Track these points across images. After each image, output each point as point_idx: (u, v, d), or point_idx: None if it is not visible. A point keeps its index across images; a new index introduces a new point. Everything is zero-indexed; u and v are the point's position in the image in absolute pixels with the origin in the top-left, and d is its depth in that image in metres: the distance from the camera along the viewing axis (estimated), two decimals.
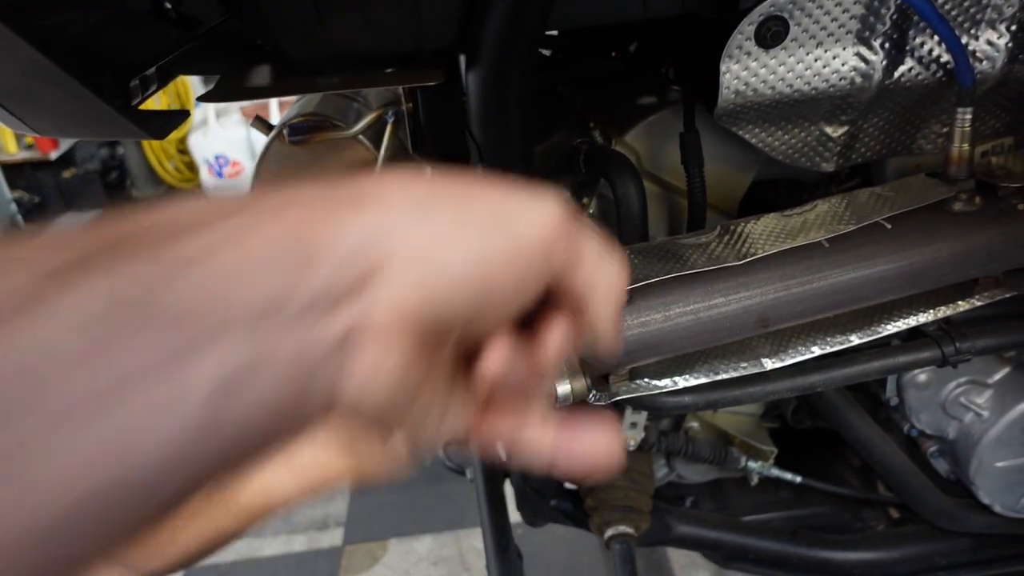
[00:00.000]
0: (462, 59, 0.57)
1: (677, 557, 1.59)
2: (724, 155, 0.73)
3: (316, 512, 1.84)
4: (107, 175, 4.04)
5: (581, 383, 0.54)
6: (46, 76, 0.42)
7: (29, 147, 3.95)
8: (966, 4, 0.55)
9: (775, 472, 0.96)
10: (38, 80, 0.42)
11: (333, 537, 1.77)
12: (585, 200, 0.73)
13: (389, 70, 0.57)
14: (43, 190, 4.01)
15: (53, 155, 3.93)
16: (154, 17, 0.54)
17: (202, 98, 0.54)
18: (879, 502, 1.02)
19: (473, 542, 1.68)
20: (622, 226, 0.66)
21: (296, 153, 0.71)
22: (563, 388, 0.54)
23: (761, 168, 0.75)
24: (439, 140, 0.66)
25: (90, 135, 0.52)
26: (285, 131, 0.69)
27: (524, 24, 0.51)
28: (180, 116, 0.53)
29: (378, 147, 0.70)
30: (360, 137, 0.69)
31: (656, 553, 1.58)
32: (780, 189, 0.82)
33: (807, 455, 1.07)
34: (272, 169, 0.71)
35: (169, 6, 0.55)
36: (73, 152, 4.05)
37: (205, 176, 3.80)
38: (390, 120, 0.68)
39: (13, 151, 3.91)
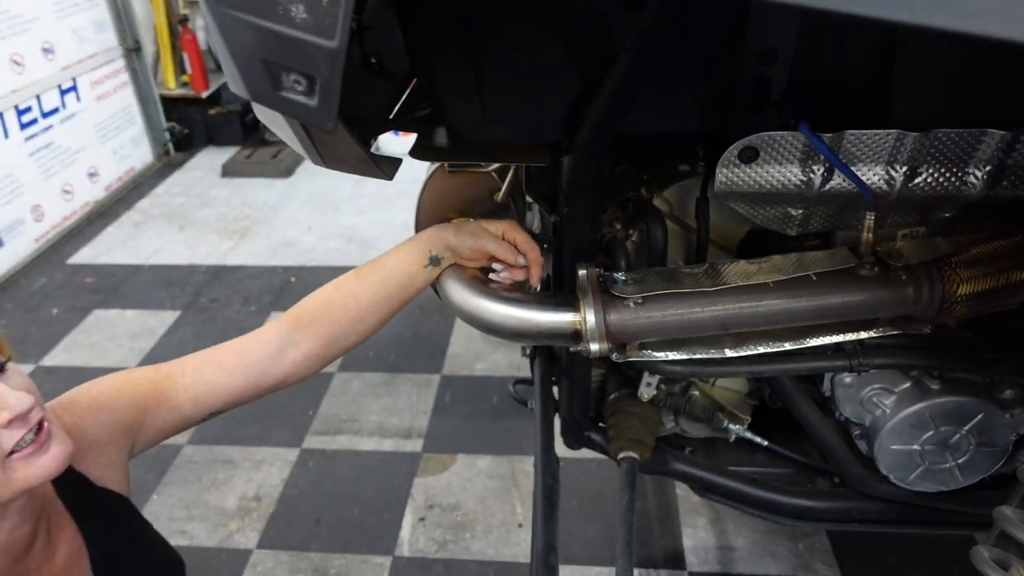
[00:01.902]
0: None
1: (683, 505, 1.97)
2: (729, 211, 1.08)
3: (403, 423, 2.30)
4: (245, 116, 4.59)
5: (605, 346, 0.93)
6: (350, 145, 0.82)
7: (184, 85, 4.53)
8: (867, 148, 0.89)
9: (747, 435, 1.33)
10: (345, 147, 0.83)
11: (415, 445, 2.23)
12: (630, 231, 1.10)
13: (516, 147, 0.95)
14: (192, 124, 4.60)
15: (204, 94, 4.49)
16: (364, 70, 0.91)
17: (410, 153, 0.95)
18: (827, 471, 1.37)
19: (523, 466, 2.11)
20: (650, 254, 1.04)
21: (451, 177, 1.11)
22: (595, 347, 0.93)
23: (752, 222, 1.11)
24: (542, 184, 1.04)
25: (351, 171, 0.92)
26: (447, 164, 1.09)
27: (604, 129, 0.89)
28: (399, 162, 0.94)
29: (504, 181, 1.09)
30: (493, 173, 1.09)
31: (667, 497, 1.96)
32: (767, 236, 1.17)
33: (783, 428, 1.43)
34: (434, 187, 1.11)
35: (373, 60, 0.93)
36: (219, 93, 4.60)
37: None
38: (514, 166, 1.07)
39: (172, 87, 4.50)
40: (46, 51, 3.53)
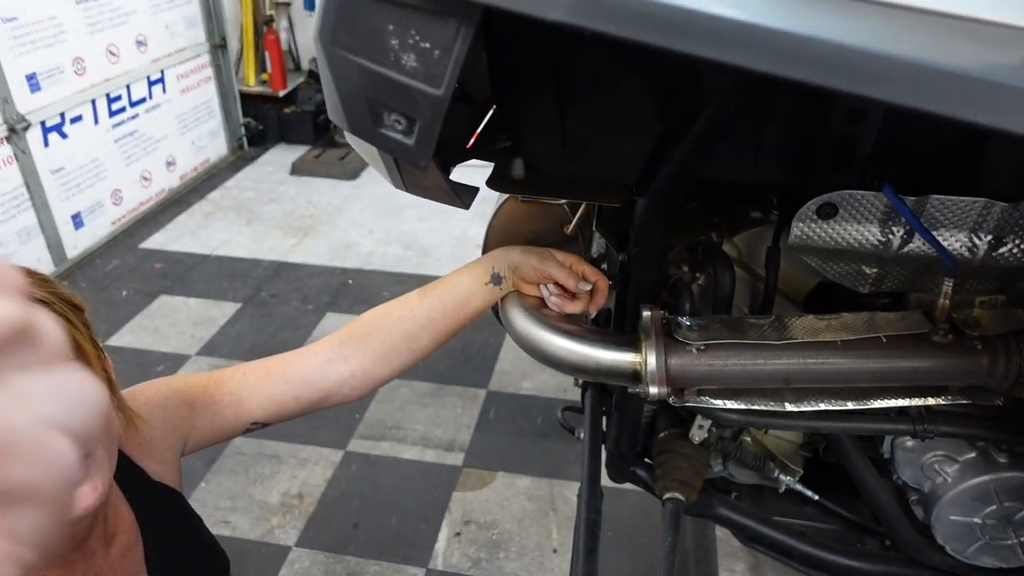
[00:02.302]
0: None
1: (722, 547, 1.93)
2: (800, 262, 1.07)
3: (447, 435, 2.33)
4: (318, 116, 4.72)
5: (665, 390, 0.93)
6: (435, 176, 0.84)
7: (263, 82, 4.68)
8: (951, 214, 0.87)
9: (798, 487, 1.30)
10: (430, 178, 0.85)
11: (456, 458, 2.25)
12: (697, 275, 1.10)
13: (592, 184, 0.97)
14: (266, 120, 4.75)
15: (281, 93, 4.63)
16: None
17: (487, 183, 0.97)
18: (879, 533, 1.33)
19: (563, 491, 2.11)
20: (715, 300, 1.03)
21: (522, 206, 1.13)
22: (653, 390, 0.93)
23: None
24: (613, 221, 1.05)
25: (430, 197, 0.94)
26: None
27: (682, 175, 0.89)
28: (476, 191, 0.96)
29: (575, 213, 1.10)
30: (564, 205, 1.10)
31: (706, 538, 1.93)
32: (837, 289, 1.15)
33: (835, 484, 1.39)
34: (504, 214, 1.13)
35: (457, 85, 0.96)
36: (295, 93, 4.75)
37: None
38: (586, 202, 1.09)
39: (251, 84, 4.66)
40: (139, 43, 3.70)
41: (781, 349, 0.94)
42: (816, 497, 1.31)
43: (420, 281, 3.11)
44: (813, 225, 0.91)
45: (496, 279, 1.00)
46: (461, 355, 2.68)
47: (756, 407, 1.00)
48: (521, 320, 1.01)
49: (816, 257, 0.98)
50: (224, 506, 2.04)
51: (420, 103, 0.55)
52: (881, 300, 1.09)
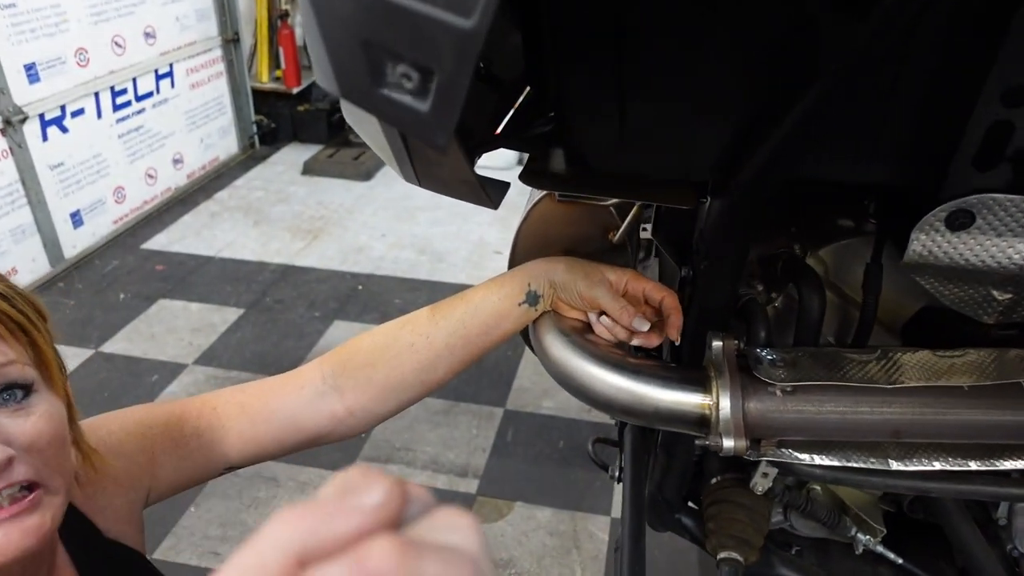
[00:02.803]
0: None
1: None
2: (901, 283, 0.87)
3: (460, 459, 2.14)
4: (332, 115, 4.56)
5: (742, 443, 0.73)
6: (457, 165, 0.65)
7: (277, 79, 4.53)
8: None
9: (880, 549, 1.10)
10: (449, 166, 0.66)
11: (469, 485, 2.06)
12: (773, 295, 0.90)
13: (653, 182, 0.77)
14: (279, 118, 4.61)
15: (295, 90, 4.48)
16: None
17: (521, 178, 0.78)
18: None
19: (587, 525, 1.90)
20: (799, 327, 0.83)
21: (558, 206, 0.94)
22: (728, 443, 0.73)
23: (930, 299, 0.89)
24: (672, 230, 0.86)
25: (453, 195, 0.75)
26: (556, 192, 0.92)
27: (766, 175, 0.70)
28: (507, 187, 0.77)
29: (623, 217, 0.91)
30: (611, 208, 0.91)
31: None
32: (943, 317, 0.94)
33: (914, 540, 1.19)
34: (538, 217, 0.94)
35: (481, 64, 0.76)
36: (309, 90, 4.59)
37: None
38: (638, 203, 0.89)
39: (264, 80, 4.51)
40: (147, 35, 3.56)
41: (891, 394, 0.73)
42: (900, 561, 1.10)
43: (433, 287, 2.93)
44: (938, 237, 0.71)
45: (532, 298, 0.81)
46: (476, 370, 2.49)
47: (853, 464, 0.80)
48: (558, 348, 0.81)
49: (933, 277, 0.78)
50: (214, 535, 1.86)
51: (441, 43, 0.37)
52: (1002, 332, 0.88)
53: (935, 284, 0.78)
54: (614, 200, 0.90)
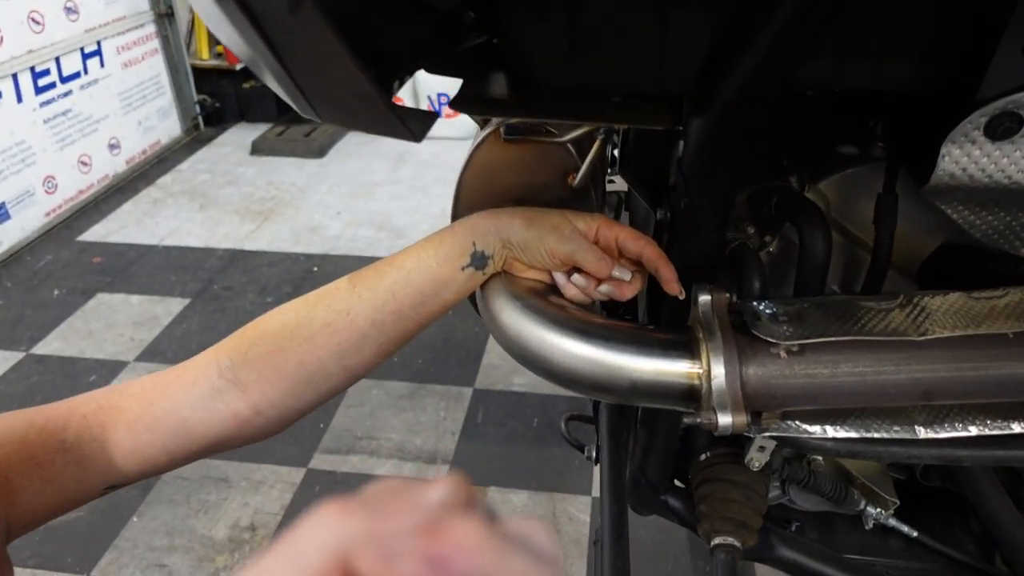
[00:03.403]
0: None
1: (763, 571, 1.61)
2: (915, 217, 0.73)
3: (427, 445, 1.99)
4: None
5: (742, 418, 0.59)
6: (342, 68, 0.49)
7: (219, 55, 4.28)
8: None
9: (892, 522, 0.97)
10: (335, 72, 0.50)
11: (439, 472, 1.91)
12: (767, 238, 0.76)
13: (617, 100, 0.62)
14: (223, 97, 4.36)
15: (238, 66, 4.23)
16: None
17: (452, 105, 0.62)
18: (993, 575, 1.01)
19: (567, 507, 1.78)
20: (801, 274, 0.69)
21: (506, 148, 0.78)
22: (725, 419, 0.59)
23: (950, 234, 0.76)
24: (645, 165, 0.71)
25: (364, 128, 0.60)
26: (502, 128, 0.76)
27: (759, 85, 0.55)
28: (433, 118, 0.61)
29: (583, 156, 0.76)
30: (569, 146, 0.76)
31: (743, 564, 1.61)
32: (964, 255, 0.81)
33: (926, 510, 1.07)
34: (482, 163, 0.78)
35: None
36: None
37: None
38: (600, 136, 0.74)
39: (205, 57, 4.26)
40: (69, 10, 3.29)
41: (921, 348, 0.60)
42: (915, 534, 0.98)
43: None
44: (975, 151, 0.57)
45: (478, 260, 0.65)
46: (442, 348, 2.34)
47: (874, 434, 0.66)
48: (511, 316, 0.66)
49: (963, 204, 0.64)
50: (159, 545, 1.70)
51: None
52: None
53: (965, 213, 0.64)
54: (571, 136, 0.75)
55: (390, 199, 3.38)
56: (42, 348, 2.40)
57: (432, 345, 2.35)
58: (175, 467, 0.67)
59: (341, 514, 0.22)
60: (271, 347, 0.64)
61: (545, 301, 0.66)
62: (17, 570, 1.59)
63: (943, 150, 0.56)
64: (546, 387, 2.16)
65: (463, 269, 0.66)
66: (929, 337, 0.59)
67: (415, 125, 0.58)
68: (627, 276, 0.65)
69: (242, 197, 3.44)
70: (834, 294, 0.76)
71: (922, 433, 0.65)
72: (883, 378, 0.60)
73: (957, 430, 0.65)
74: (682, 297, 0.64)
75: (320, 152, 3.92)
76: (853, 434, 0.65)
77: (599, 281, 0.65)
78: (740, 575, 1.54)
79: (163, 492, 1.83)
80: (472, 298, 0.73)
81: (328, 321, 0.65)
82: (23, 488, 0.62)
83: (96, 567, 1.65)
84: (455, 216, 0.81)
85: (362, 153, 3.90)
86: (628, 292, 0.66)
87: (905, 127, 0.69)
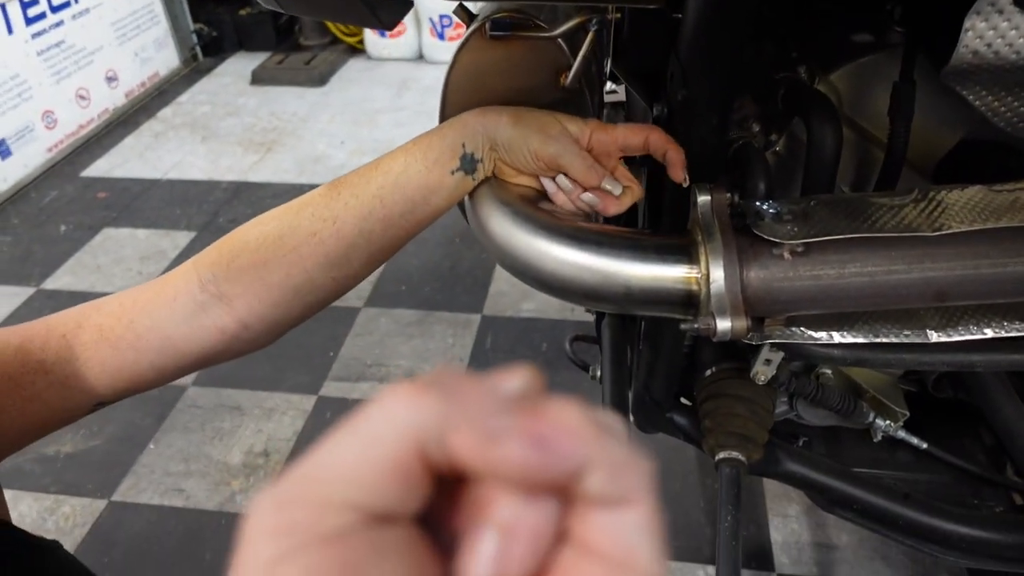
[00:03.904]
0: None
1: (771, 487, 1.62)
2: (934, 109, 0.68)
3: None
4: (279, 18, 4.18)
5: (742, 323, 0.56)
6: None
7: None
8: None
9: (902, 435, 0.95)
10: None
11: None
12: (773, 136, 0.71)
13: None
14: (221, 25, 4.23)
15: None
16: None
17: None
18: (1004, 485, 0.99)
19: None
20: (809, 172, 0.65)
21: (494, 47, 0.73)
22: (724, 324, 0.56)
23: (971, 128, 0.70)
24: (641, 57, 0.65)
25: (329, 16, 0.55)
26: (487, 24, 0.71)
27: None
28: (408, 6, 0.56)
29: (575, 53, 0.70)
30: (559, 40, 0.70)
31: (751, 479, 1.61)
32: (986, 150, 0.76)
33: (936, 422, 1.05)
34: (468, 63, 0.73)
35: None
36: None
37: (426, 36, 3.87)
38: (593, 28, 0.68)
39: None
40: None
41: (935, 244, 0.56)
42: (924, 446, 0.96)
43: None
44: (1002, 23, 0.52)
45: (468, 164, 0.62)
46: (449, 276, 2.32)
47: (883, 339, 0.63)
48: (501, 223, 0.63)
49: (986, 88, 0.58)
50: (176, 471, 1.73)
51: None
52: None
53: (988, 98, 0.59)
54: (561, 29, 0.69)
55: (393, 126, 3.30)
56: (52, 283, 2.40)
57: (439, 273, 2.33)
58: (164, 382, 0.65)
59: (416, 395, 0.20)
60: (255, 259, 0.62)
61: (535, 208, 0.62)
62: (41, 496, 1.62)
63: (966, 23, 0.51)
64: (554, 312, 2.15)
65: (453, 173, 0.62)
66: (944, 232, 0.55)
67: (385, 13, 0.53)
68: (617, 190, 0.61)
69: (244, 128, 3.38)
70: (861, 194, 0.72)
71: (934, 337, 0.62)
72: (894, 278, 0.56)
73: (971, 333, 0.62)
74: (686, 184, 0.60)
75: (321, 80, 3.82)
76: (861, 339, 0.62)
77: (584, 188, 0.61)
78: (747, 492, 1.54)
79: (178, 420, 1.86)
80: (461, 206, 0.69)
81: (314, 231, 0.62)
82: (5, 407, 0.60)
83: (116, 492, 1.68)
84: (443, 117, 0.76)
85: (363, 80, 3.79)
86: (612, 208, 0.62)
87: (924, 6, 0.63)
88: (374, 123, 3.36)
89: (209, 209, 2.76)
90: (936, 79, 0.61)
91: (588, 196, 0.61)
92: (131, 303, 0.63)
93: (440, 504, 0.21)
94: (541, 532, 0.20)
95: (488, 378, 0.22)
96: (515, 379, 0.22)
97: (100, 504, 1.65)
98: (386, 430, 0.20)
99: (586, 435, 0.19)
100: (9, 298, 2.34)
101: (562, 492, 0.20)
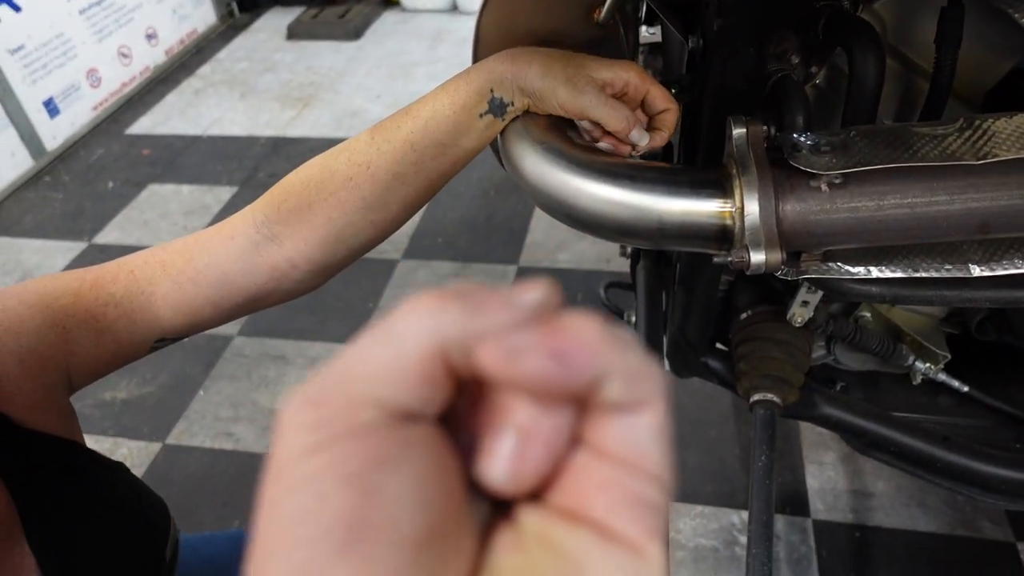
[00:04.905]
0: None
1: (807, 436, 1.62)
2: (983, 35, 0.65)
3: None
4: None
5: (776, 256, 0.56)
6: None
7: None
8: None
9: (942, 377, 0.94)
10: None
11: None
12: (813, 68, 0.69)
13: None
14: None
15: None
16: None
17: None
18: None
19: None
20: (850, 103, 0.63)
21: None
22: (758, 257, 0.56)
23: (1023, 55, 0.67)
24: None
25: None
26: None
27: None
28: None
29: None
30: None
31: (787, 426, 1.62)
32: None
33: (979, 366, 1.03)
34: (499, 4, 0.72)
35: None
36: None
37: None
38: None
39: None
40: None
41: (979, 173, 0.54)
42: (966, 389, 0.95)
43: None
44: None
45: (497, 108, 0.62)
46: (485, 227, 2.32)
47: (922, 274, 0.62)
48: (532, 160, 0.63)
49: None
50: (225, 416, 1.80)
51: None
52: None
53: None
54: None
55: (429, 79, 3.28)
56: (102, 238, 2.48)
57: (475, 225, 2.34)
58: (220, 321, 0.68)
59: (439, 304, 0.21)
60: (300, 202, 0.64)
61: (568, 143, 0.62)
62: (100, 438, 1.70)
63: None
64: (590, 262, 2.14)
65: (481, 117, 0.63)
66: (990, 160, 0.53)
67: None
68: (644, 140, 0.62)
69: (281, 84, 3.39)
70: (902, 125, 0.70)
71: (976, 271, 0.61)
72: (935, 209, 0.55)
73: (1016, 267, 0.60)
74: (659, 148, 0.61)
75: (356, 34, 3.80)
76: (900, 274, 0.62)
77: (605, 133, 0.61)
78: (783, 440, 1.54)
79: (225, 369, 1.93)
80: (494, 145, 0.69)
81: (350, 175, 0.63)
82: (80, 339, 0.64)
83: (170, 435, 1.76)
84: (476, 59, 0.76)
85: (398, 33, 3.76)
86: (624, 151, 0.62)
87: None
88: (410, 76, 3.34)
89: (249, 164, 2.80)
90: (986, 3, 0.59)
91: (611, 142, 0.62)
92: (193, 242, 0.66)
93: (460, 409, 0.22)
94: (557, 436, 0.21)
95: (508, 290, 0.22)
96: (534, 291, 0.22)
97: (155, 447, 1.74)
98: (411, 334, 0.21)
99: (603, 347, 0.20)
100: (64, 253, 2.43)
101: (579, 400, 0.21)
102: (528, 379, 0.20)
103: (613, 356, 0.20)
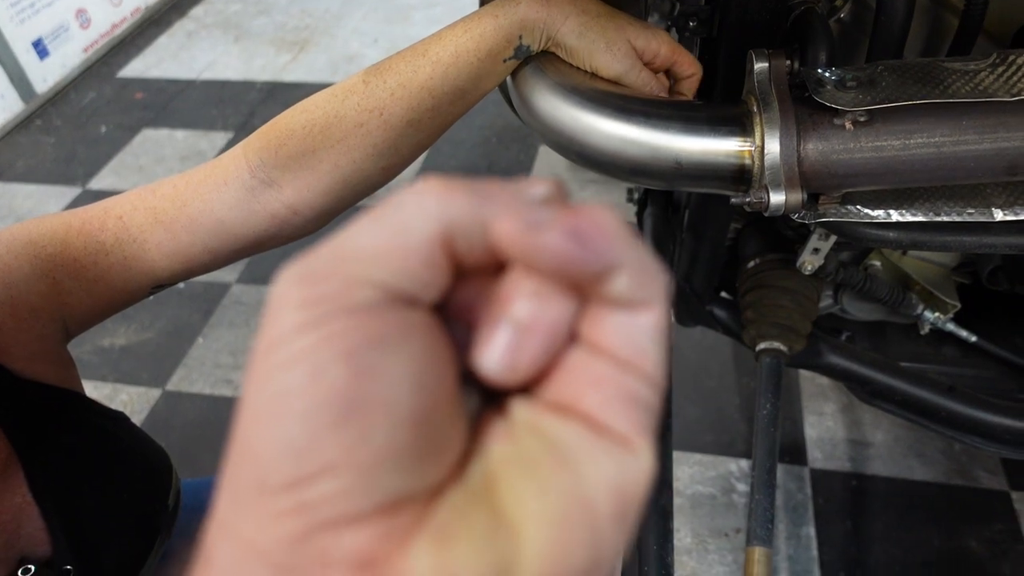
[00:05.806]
0: None
1: (807, 387, 1.62)
2: None
3: None
4: None
5: (797, 197, 0.54)
6: None
7: None
8: None
9: (951, 327, 0.94)
10: None
11: None
12: (838, 2, 0.66)
13: None
14: None
15: None
16: None
17: None
18: None
19: None
20: (876, 38, 0.60)
21: None
22: (777, 198, 0.54)
23: None
24: None
25: None
26: None
27: None
28: None
29: None
30: None
31: (788, 377, 1.62)
32: None
33: (987, 317, 1.02)
34: None
35: None
36: None
37: None
38: None
39: None
40: None
41: (1010, 111, 0.52)
42: (974, 339, 0.95)
43: None
44: None
45: (522, 53, 0.59)
46: (486, 176, 2.29)
47: (944, 218, 0.60)
48: (543, 98, 0.60)
49: None
50: (225, 363, 1.80)
51: None
52: None
53: None
54: None
55: (428, 23, 3.19)
56: (97, 183, 2.44)
57: (476, 172, 2.30)
58: (218, 266, 0.66)
59: (447, 189, 0.20)
60: (303, 147, 0.61)
61: (581, 76, 0.60)
62: (100, 384, 1.70)
63: None
64: None
65: (505, 62, 0.60)
66: (1023, 98, 0.51)
67: None
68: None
69: (276, 27, 3.30)
70: (931, 60, 0.68)
71: (999, 216, 0.59)
72: (962, 148, 0.53)
73: None
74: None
75: None
76: (921, 217, 0.60)
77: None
78: (783, 389, 1.54)
79: (224, 316, 1.92)
80: (502, 86, 0.67)
81: (360, 122, 0.60)
82: (73, 289, 0.62)
83: (169, 382, 1.76)
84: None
85: None
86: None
87: None
88: (407, 20, 3.25)
89: (245, 110, 2.74)
90: None
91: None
92: (184, 186, 0.63)
93: (458, 299, 0.22)
94: (556, 330, 0.20)
95: (516, 183, 0.22)
96: (544, 185, 0.22)
97: (155, 393, 1.74)
98: (415, 217, 0.20)
99: (619, 236, 0.20)
100: (57, 198, 2.39)
101: (581, 293, 0.20)
102: (545, 255, 0.19)
103: (628, 247, 0.20)
